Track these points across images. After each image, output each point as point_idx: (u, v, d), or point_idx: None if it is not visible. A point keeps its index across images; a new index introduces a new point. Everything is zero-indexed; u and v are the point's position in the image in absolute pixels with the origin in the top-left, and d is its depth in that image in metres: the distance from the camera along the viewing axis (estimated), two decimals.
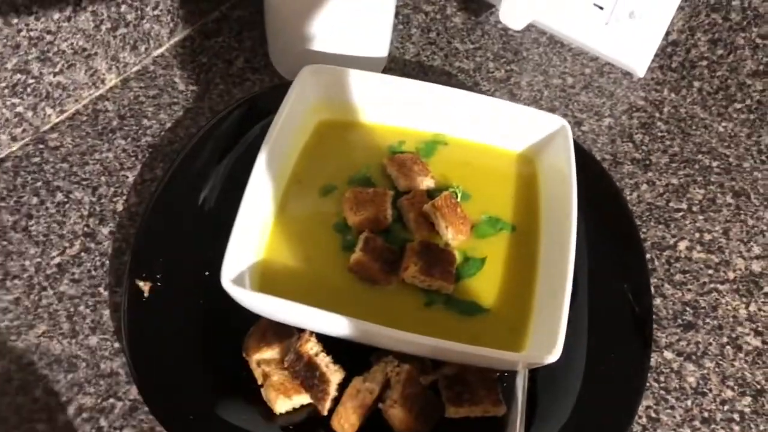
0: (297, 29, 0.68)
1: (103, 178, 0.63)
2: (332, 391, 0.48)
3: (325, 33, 0.67)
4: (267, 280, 0.52)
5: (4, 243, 0.58)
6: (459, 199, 0.58)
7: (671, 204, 0.68)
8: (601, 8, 0.75)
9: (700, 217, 0.67)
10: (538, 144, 0.61)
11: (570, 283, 0.50)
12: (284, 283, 0.52)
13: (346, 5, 0.64)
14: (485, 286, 0.54)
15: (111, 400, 0.51)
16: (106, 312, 0.55)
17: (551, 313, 0.49)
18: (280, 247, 0.54)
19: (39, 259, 0.58)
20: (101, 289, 0.57)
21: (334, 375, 0.48)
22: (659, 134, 0.73)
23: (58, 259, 0.58)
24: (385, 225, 0.55)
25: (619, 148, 0.71)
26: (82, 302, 0.56)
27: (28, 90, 0.62)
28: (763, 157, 0.72)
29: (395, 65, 0.76)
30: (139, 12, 0.68)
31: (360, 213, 0.55)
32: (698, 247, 0.65)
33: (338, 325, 0.47)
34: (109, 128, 0.67)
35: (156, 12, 0.70)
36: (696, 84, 0.75)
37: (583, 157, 0.64)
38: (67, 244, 0.59)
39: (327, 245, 0.55)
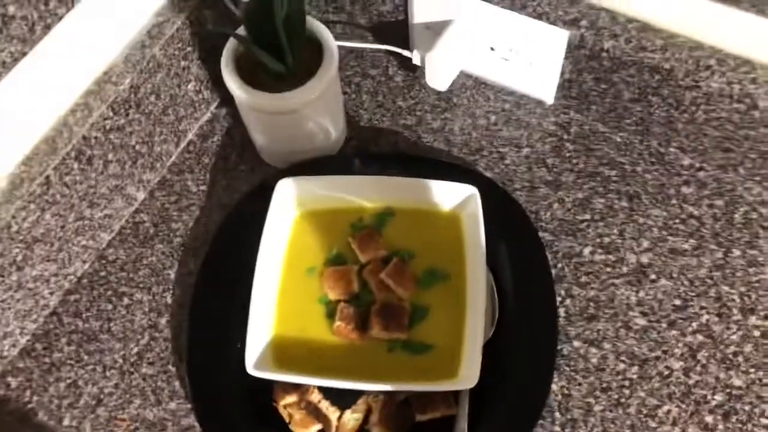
0: (268, 136, 0.88)
1: (153, 279, 0.86)
2: (333, 425, 0.72)
3: (293, 133, 0.87)
4: (279, 352, 0.75)
5: (98, 344, 0.83)
6: (407, 260, 0.79)
7: (577, 216, 0.87)
8: (493, 49, 0.91)
9: (601, 224, 0.86)
10: (460, 204, 0.81)
11: (481, 317, 0.72)
12: (291, 352, 0.75)
13: (304, 115, 0.84)
14: (431, 328, 0.75)
15: None
16: (177, 383, 0.80)
17: (473, 343, 0.72)
18: (284, 323, 0.77)
19: (123, 352, 0.82)
20: (170, 366, 0.81)
21: (333, 414, 0.72)
22: (567, 154, 0.91)
23: (136, 349, 0.82)
24: (355, 294, 0.78)
25: (536, 174, 0.90)
26: (159, 378, 0.80)
27: (86, 227, 0.85)
28: (653, 159, 0.89)
29: (353, 131, 0.95)
30: (148, 143, 0.89)
31: (335, 289, 0.77)
32: (599, 250, 0.84)
33: (330, 383, 0.71)
34: (147, 236, 0.90)
35: (162, 137, 0.91)
36: (593, 107, 0.93)
37: (501, 194, 0.84)
38: (139, 336, 0.83)
39: (315, 316, 0.77)
